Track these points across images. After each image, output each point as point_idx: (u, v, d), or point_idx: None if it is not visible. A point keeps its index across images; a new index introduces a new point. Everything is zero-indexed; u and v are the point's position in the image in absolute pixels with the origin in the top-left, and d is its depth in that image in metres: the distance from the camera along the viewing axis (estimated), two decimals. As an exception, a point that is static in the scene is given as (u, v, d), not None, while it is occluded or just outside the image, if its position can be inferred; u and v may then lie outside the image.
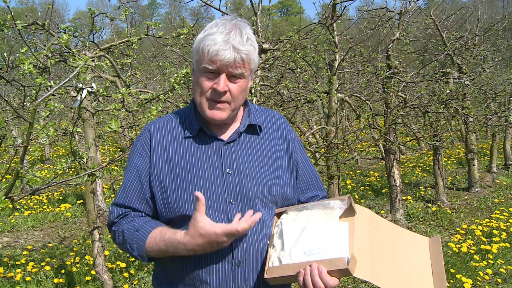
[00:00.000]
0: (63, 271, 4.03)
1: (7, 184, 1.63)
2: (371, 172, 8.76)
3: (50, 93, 1.55)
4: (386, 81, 4.88)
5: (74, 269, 4.05)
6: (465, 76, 5.88)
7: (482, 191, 7.00)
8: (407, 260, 1.33)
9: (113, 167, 9.08)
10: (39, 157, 10.42)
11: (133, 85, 3.25)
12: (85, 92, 2.25)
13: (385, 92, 4.96)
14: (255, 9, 3.25)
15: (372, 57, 5.03)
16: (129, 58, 2.78)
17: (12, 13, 2.00)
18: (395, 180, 5.29)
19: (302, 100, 4.06)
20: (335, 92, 4.21)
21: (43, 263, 4.21)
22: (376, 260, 1.26)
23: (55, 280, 3.83)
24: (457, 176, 8.11)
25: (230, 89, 1.31)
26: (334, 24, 4.23)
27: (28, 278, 3.91)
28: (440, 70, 5.95)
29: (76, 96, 2.26)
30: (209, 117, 1.34)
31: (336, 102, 4.40)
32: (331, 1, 3.97)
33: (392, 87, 4.86)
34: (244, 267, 1.33)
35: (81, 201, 6.70)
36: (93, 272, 3.83)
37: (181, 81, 2.31)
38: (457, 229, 5.30)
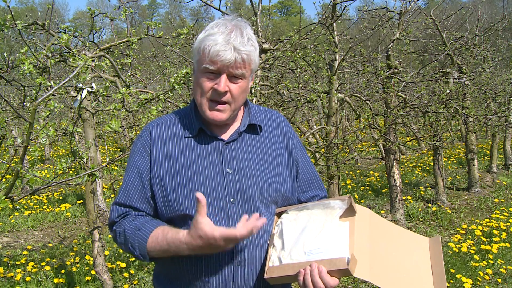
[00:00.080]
0: (63, 271, 4.03)
1: (7, 184, 1.63)
2: (371, 172, 8.77)
3: (50, 93, 1.55)
4: (386, 81, 4.88)
5: (74, 269, 4.05)
6: (465, 76, 5.88)
7: (482, 191, 7.00)
8: (407, 260, 1.33)
9: (113, 167, 9.08)
10: (39, 157, 10.43)
11: (133, 85, 3.25)
12: (85, 92, 2.25)
13: (385, 92, 4.96)
14: (255, 9, 3.25)
15: (372, 57, 5.03)
16: (129, 58, 2.79)
17: (12, 13, 2.00)
18: (395, 180, 5.29)
19: (302, 100, 4.06)
20: (335, 92, 4.21)
21: (43, 263, 4.21)
22: (376, 260, 1.26)
23: (55, 280, 3.83)
24: (457, 176, 8.11)
25: (231, 89, 1.31)
26: (334, 24, 4.23)
27: (28, 278, 3.91)
28: (440, 70, 5.96)
29: (76, 96, 2.26)
30: (210, 118, 1.34)
31: (336, 102, 4.41)
32: (331, 1, 3.97)
33: (392, 87, 4.86)
34: (244, 266, 1.33)
35: (81, 201, 6.70)
36: (93, 272, 3.83)
37: (181, 81, 2.31)
38: (457, 229, 5.30)
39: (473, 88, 6.26)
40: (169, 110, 4.06)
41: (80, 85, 2.22)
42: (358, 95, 5.25)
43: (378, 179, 8.14)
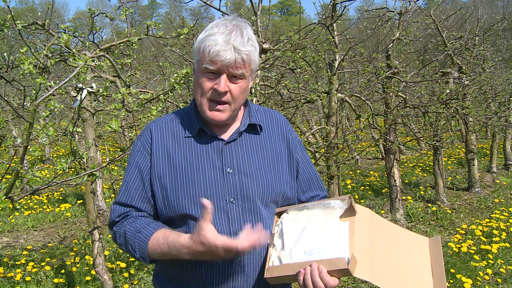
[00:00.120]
0: (63, 271, 4.03)
1: (7, 184, 1.63)
2: (371, 172, 8.77)
3: (50, 93, 1.55)
4: (386, 81, 4.88)
5: (74, 269, 4.05)
6: (465, 76, 5.88)
7: (482, 191, 7.00)
8: (407, 260, 1.33)
9: (113, 167, 9.08)
10: (39, 157, 10.43)
11: (133, 85, 3.25)
12: (85, 92, 2.25)
13: (385, 92, 4.96)
14: (255, 9, 3.25)
15: (372, 57, 5.04)
16: (129, 58, 2.79)
17: (12, 13, 2.00)
18: (395, 180, 5.29)
19: (302, 100, 4.06)
20: (335, 92, 4.21)
21: (43, 263, 4.21)
22: (376, 260, 1.26)
23: (55, 280, 3.83)
24: (457, 176, 8.11)
25: (231, 89, 1.31)
26: (334, 24, 4.23)
27: (28, 278, 3.91)
28: (440, 70, 5.96)
29: (76, 96, 2.26)
30: (209, 118, 1.35)
31: (336, 102, 4.41)
32: (331, 1, 3.97)
33: (392, 87, 4.86)
34: (244, 266, 1.33)
35: (81, 201, 6.70)
36: (93, 272, 3.83)
37: (181, 81, 2.31)
38: (457, 229, 5.30)
39: (473, 88, 6.26)
40: (169, 110, 4.06)
41: (80, 85, 2.22)
42: (358, 95, 5.26)
43: (378, 179, 8.14)
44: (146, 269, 4.16)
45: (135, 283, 3.93)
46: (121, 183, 1.44)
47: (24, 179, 6.58)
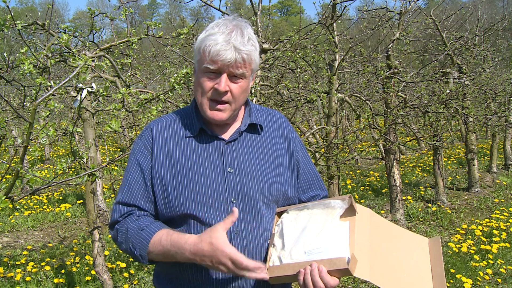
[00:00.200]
0: (63, 271, 4.03)
1: (7, 184, 1.63)
2: (371, 172, 8.77)
3: (50, 93, 1.55)
4: (386, 81, 4.88)
5: (74, 269, 4.05)
6: (465, 76, 5.88)
7: (482, 191, 7.00)
8: (407, 260, 1.33)
9: (113, 167, 9.08)
10: (39, 157, 10.43)
11: (133, 85, 3.26)
12: (85, 92, 2.25)
13: (385, 92, 4.96)
14: (255, 9, 3.25)
15: (372, 57, 5.04)
16: (129, 58, 2.79)
17: (12, 13, 2.00)
18: (395, 180, 5.29)
19: (302, 100, 4.06)
20: (335, 92, 4.21)
21: (43, 263, 4.21)
22: (376, 260, 1.26)
23: (55, 280, 3.83)
24: (457, 176, 8.11)
25: (231, 89, 1.31)
26: (334, 24, 4.23)
27: (28, 278, 3.91)
28: (440, 70, 5.96)
29: (76, 96, 2.26)
30: (210, 117, 1.35)
31: (336, 102, 4.41)
32: (331, 1, 3.97)
33: (392, 87, 4.86)
34: (244, 266, 1.33)
35: (81, 201, 6.70)
36: (93, 272, 3.83)
37: (181, 81, 2.31)
38: (457, 229, 5.30)
39: (473, 88, 6.26)
40: (169, 110, 4.06)
41: (80, 85, 2.22)
42: (358, 95, 5.26)
43: (378, 179, 8.14)
44: (146, 269, 4.16)
45: (135, 283, 3.93)
46: (121, 183, 1.44)
47: (24, 179, 6.58)
